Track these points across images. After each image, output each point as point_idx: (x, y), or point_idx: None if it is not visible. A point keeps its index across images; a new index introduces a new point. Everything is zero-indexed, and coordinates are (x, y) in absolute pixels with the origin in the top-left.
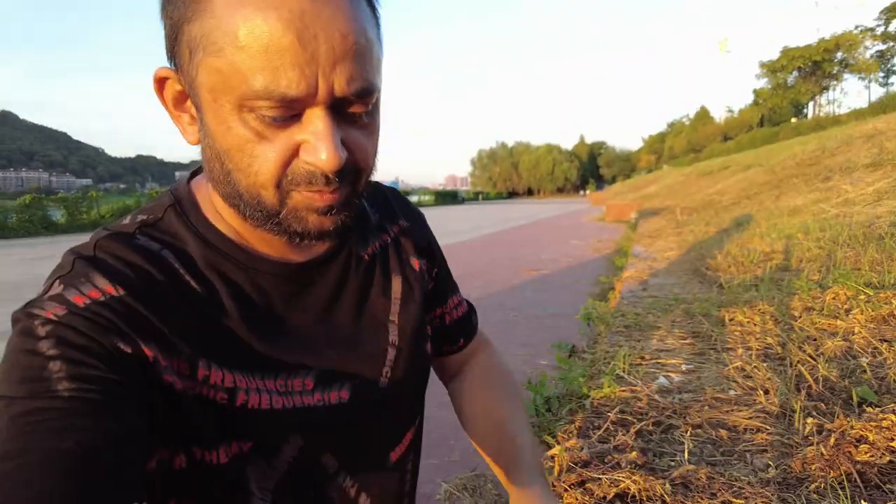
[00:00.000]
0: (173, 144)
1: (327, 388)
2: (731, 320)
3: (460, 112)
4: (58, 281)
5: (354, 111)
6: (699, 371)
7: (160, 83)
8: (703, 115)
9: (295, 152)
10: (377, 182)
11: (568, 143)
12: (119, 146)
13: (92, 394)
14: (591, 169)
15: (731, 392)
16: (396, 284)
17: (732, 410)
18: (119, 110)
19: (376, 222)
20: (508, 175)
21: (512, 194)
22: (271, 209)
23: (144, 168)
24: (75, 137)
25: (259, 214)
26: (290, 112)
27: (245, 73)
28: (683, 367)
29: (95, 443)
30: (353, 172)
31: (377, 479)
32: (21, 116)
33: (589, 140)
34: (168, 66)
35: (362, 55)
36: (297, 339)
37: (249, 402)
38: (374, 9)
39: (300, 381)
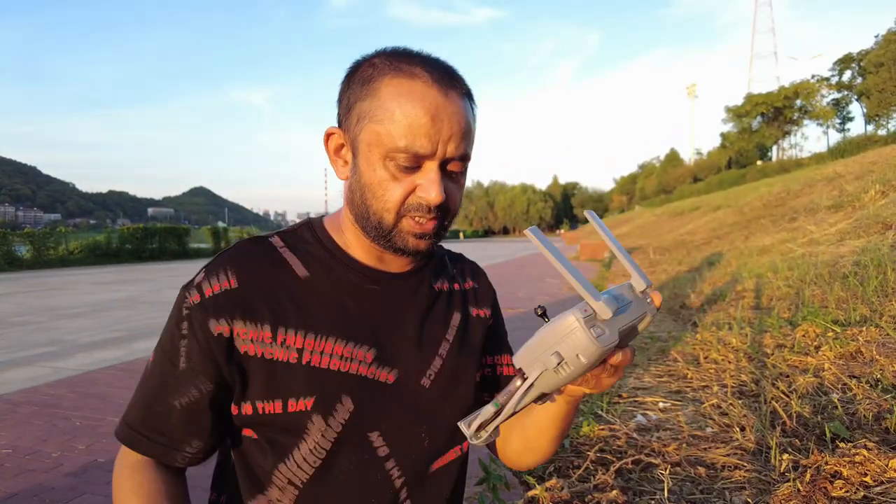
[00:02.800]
0: (146, 181)
1: (381, 366)
2: (705, 358)
3: None
4: (204, 271)
5: (452, 170)
6: (676, 409)
7: (328, 136)
8: (674, 157)
9: (413, 190)
10: (463, 255)
11: (542, 184)
12: (90, 181)
13: (194, 366)
14: (564, 209)
15: (709, 429)
16: (456, 318)
17: (710, 448)
18: (91, 145)
19: (450, 273)
20: (484, 214)
21: (488, 232)
22: (387, 228)
23: (116, 204)
24: (44, 171)
25: (377, 231)
26: (416, 164)
27: (394, 136)
28: (661, 405)
29: (188, 399)
30: (445, 210)
31: (420, 480)
32: None
33: (563, 180)
34: (335, 125)
35: (466, 135)
36: (369, 322)
37: (313, 361)
38: (473, 103)
39: (363, 353)
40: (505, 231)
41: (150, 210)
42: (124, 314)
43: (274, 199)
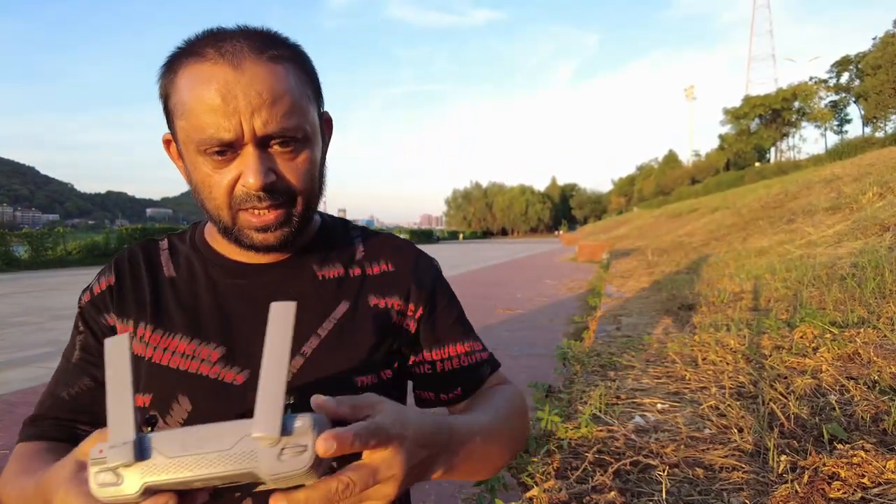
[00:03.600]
0: (145, 181)
1: (227, 366)
2: (703, 359)
3: (435, 152)
4: (98, 273)
5: (281, 148)
6: (674, 410)
7: (167, 143)
8: (672, 158)
9: (237, 180)
10: (394, 235)
11: (541, 185)
12: (89, 182)
13: (88, 357)
14: (563, 210)
15: (707, 431)
16: (341, 309)
17: (708, 449)
18: (90, 146)
19: (357, 257)
20: (483, 215)
21: (486, 234)
22: (228, 225)
23: (115, 204)
24: (43, 172)
25: (222, 231)
26: (230, 152)
27: (196, 127)
28: (659, 406)
29: (76, 390)
30: (287, 193)
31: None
32: None
33: (561, 182)
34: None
35: (277, 103)
36: (226, 318)
37: (154, 358)
38: (301, 64)
39: (207, 350)
40: (504, 232)
41: (149, 210)
42: None
43: None
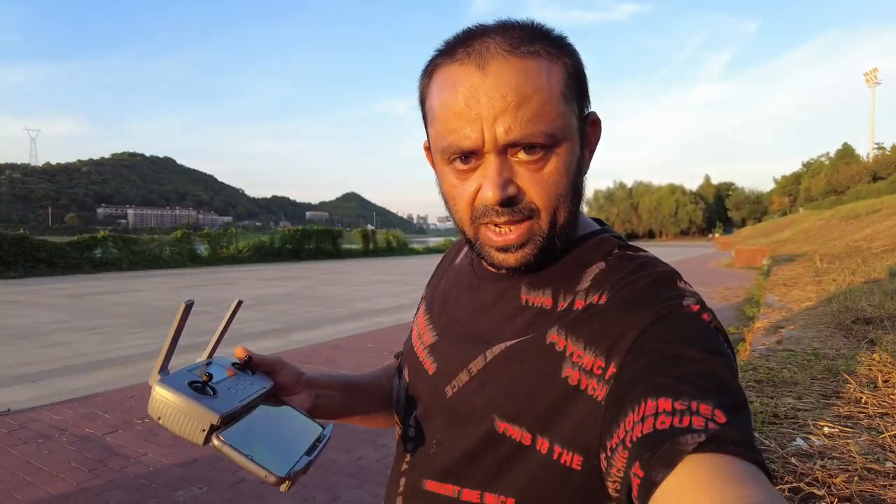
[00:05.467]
0: (304, 187)
1: (431, 355)
2: (885, 381)
3: None
4: None
5: (522, 157)
6: (846, 436)
7: (427, 150)
8: (846, 152)
9: (478, 192)
10: (652, 263)
11: (692, 184)
12: (257, 188)
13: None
14: (717, 211)
15: (889, 464)
16: (518, 330)
17: (892, 485)
18: (257, 155)
19: (582, 285)
20: (627, 216)
21: (631, 236)
22: (471, 240)
23: (279, 208)
24: (220, 179)
25: (467, 243)
26: (473, 161)
27: (442, 134)
28: (826, 430)
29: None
30: (527, 209)
31: (415, 491)
32: (178, 161)
33: (715, 181)
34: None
35: (522, 106)
36: (450, 314)
37: (412, 328)
38: (565, 66)
39: (428, 336)
40: (650, 235)
41: (308, 213)
42: (284, 307)
43: (417, 203)
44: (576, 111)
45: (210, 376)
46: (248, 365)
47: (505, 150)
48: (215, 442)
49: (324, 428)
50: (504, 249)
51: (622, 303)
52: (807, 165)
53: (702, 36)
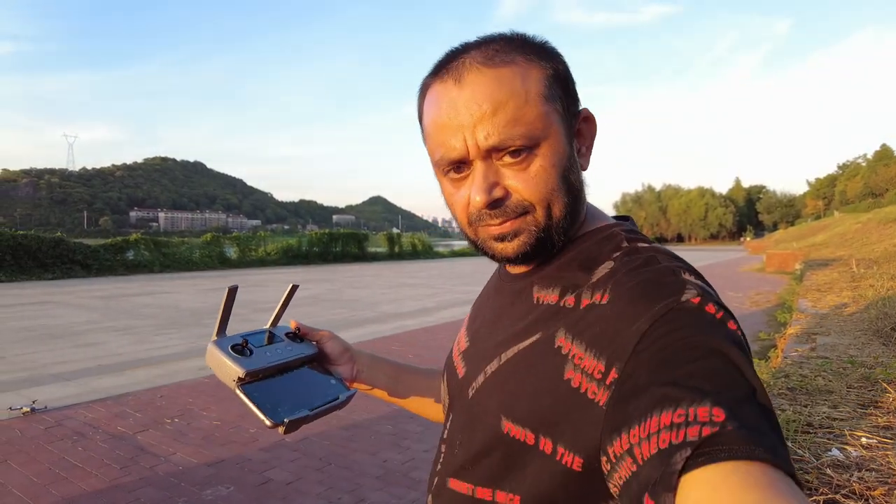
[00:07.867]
0: (330, 191)
1: (463, 359)
2: None
3: (601, 155)
4: None
5: (509, 157)
6: (885, 447)
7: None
8: (886, 154)
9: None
10: (657, 257)
11: (722, 187)
12: (284, 191)
13: None
14: (748, 214)
15: None
16: (530, 340)
17: None
18: (285, 159)
19: (589, 280)
20: (656, 220)
21: (660, 240)
22: (475, 241)
23: (306, 211)
24: (249, 183)
25: (472, 246)
26: (464, 171)
27: (433, 148)
28: (864, 441)
29: None
30: (519, 207)
31: (440, 488)
32: (208, 166)
33: (746, 183)
34: None
35: (498, 111)
36: (480, 318)
37: (456, 339)
38: (543, 69)
39: (463, 342)
40: (679, 238)
41: (335, 217)
42: (310, 310)
43: (442, 207)
44: (560, 110)
45: (246, 342)
46: (298, 334)
47: (489, 155)
48: (236, 389)
49: (344, 392)
50: (501, 238)
51: (623, 303)
52: (842, 167)
53: (732, 36)
